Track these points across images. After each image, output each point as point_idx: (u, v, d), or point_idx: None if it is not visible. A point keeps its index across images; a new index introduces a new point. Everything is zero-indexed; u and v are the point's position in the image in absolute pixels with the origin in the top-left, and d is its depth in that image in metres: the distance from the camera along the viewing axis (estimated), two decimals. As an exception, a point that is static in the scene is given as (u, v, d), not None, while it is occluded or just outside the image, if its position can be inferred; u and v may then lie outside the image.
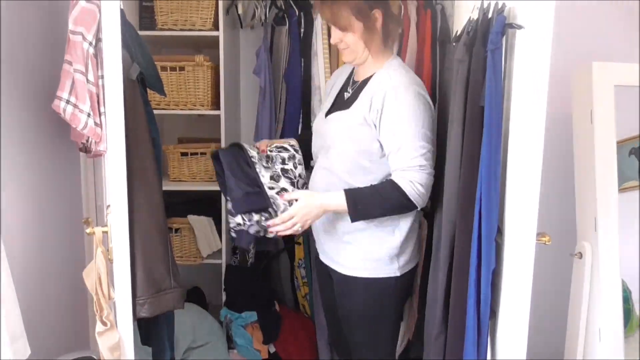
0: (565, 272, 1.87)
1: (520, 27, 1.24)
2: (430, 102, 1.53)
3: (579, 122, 1.77)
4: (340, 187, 1.52)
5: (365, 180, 1.54)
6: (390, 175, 1.51)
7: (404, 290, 1.67)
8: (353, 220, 1.49)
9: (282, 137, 2.41)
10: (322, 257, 1.71)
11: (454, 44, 1.73)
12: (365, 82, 1.58)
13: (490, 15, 1.35)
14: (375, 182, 1.54)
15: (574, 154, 1.80)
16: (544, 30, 1.22)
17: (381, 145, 1.52)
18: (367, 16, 1.50)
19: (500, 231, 1.37)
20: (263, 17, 2.50)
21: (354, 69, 1.68)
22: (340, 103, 1.63)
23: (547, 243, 1.34)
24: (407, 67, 1.61)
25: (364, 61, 1.57)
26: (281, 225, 1.51)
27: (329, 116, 1.62)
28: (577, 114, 1.78)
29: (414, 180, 1.44)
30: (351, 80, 1.66)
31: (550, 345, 2.05)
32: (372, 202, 1.48)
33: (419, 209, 1.49)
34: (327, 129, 1.62)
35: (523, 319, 1.32)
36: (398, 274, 1.59)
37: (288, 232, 1.52)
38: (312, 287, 2.48)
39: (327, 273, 1.71)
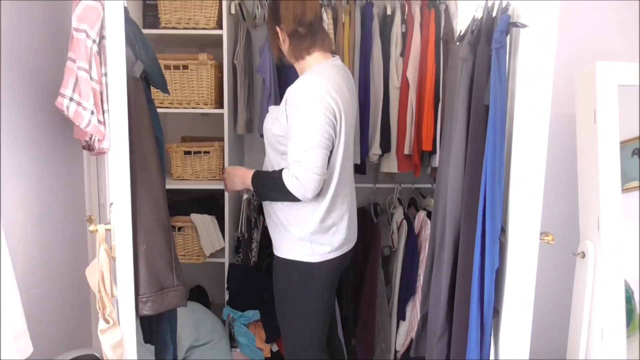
0: (568, 271, 1.87)
1: (524, 25, 1.24)
2: (334, 106, 1.60)
3: (582, 122, 1.77)
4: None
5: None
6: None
7: (324, 277, 1.74)
8: (258, 198, 1.77)
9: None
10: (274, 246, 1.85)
11: (457, 43, 1.73)
12: None
13: (494, 14, 1.35)
14: None
15: (577, 153, 1.80)
16: (549, 29, 1.22)
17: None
18: (275, 33, 1.75)
19: (503, 230, 1.36)
20: (265, 16, 2.50)
21: None
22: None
23: (550, 242, 1.34)
24: (329, 71, 1.67)
25: (296, 62, 1.77)
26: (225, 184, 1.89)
27: (270, 107, 1.84)
28: (581, 114, 1.78)
29: (291, 174, 1.59)
30: None
31: (553, 344, 2.05)
32: (267, 185, 1.70)
33: (299, 199, 1.62)
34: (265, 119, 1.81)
35: (526, 317, 1.32)
36: (311, 260, 1.71)
37: (228, 191, 1.90)
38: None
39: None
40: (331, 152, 1.65)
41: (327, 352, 1.87)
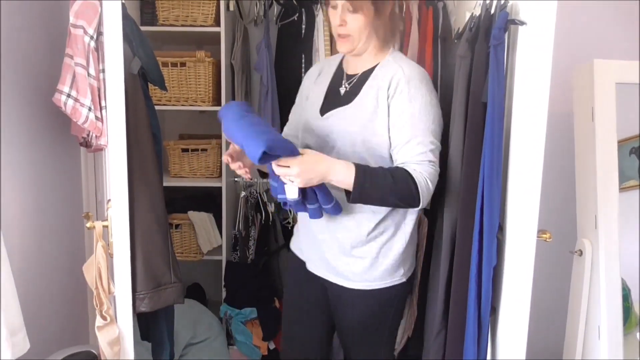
0: (565, 269, 1.87)
1: (522, 23, 1.24)
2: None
3: (580, 120, 1.77)
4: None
5: None
6: None
7: (406, 294, 1.62)
8: (351, 200, 1.33)
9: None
10: (313, 268, 1.58)
11: (455, 40, 1.73)
12: (367, 74, 1.47)
13: (493, 12, 1.35)
14: None
15: (575, 151, 1.80)
16: (547, 26, 1.22)
17: (390, 138, 1.40)
18: (383, 2, 1.39)
19: (501, 228, 1.36)
20: (262, 14, 2.50)
21: (340, 64, 1.57)
22: (336, 99, 1.50)
23: (547, 240, 1.34)
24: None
25: (363, 52, 1.46)
26: (280, 169, 1.29)
27: (327, 113, 1.49)
28: (578, 112, 1.78)
29: (425, 175, 1.33)
30: (344, 74, 1.53)
31: (550, 342, 2.05)
32: (382, 184, 1.32)
33: (420, 207, 1.36)
34: (325, 126, 1.47)
35: (523, 316, 1.32)
36: (404, 280, 1.51)
37: (287, 183, 1.32)
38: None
39: (317, 284, 1.58)
40: None
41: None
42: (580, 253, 1.73)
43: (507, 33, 1.29)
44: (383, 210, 1.43)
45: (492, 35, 1.26)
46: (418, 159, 1.35)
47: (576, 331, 1.74)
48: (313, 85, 1.60)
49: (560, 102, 1.91)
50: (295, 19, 2.45)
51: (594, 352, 1.70)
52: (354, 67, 1.51)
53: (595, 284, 1.69)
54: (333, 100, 1.51)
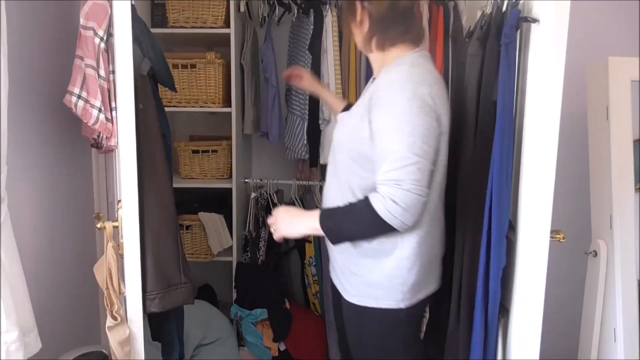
0: (579, 270, 1.84)
1: (535, 20, 1.22)
2: (435, 107, 1.26)
3: (594, 119, 1.75)
4: (348, 196, 1.36)
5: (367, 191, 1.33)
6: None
7: (413, 322, 1.43)
8: (332, 242, 1.36)
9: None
10: (333, 277, 1.53)
11: (467, 39, 1.71)
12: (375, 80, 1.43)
13: (504, 9, 1.33)
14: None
15: (589, 150, 1.77)
16: (560, 23, 1.20)
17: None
18: (354, 9, 1.38)
19: (513, 228, 1.35)
20: (265, 14, 2.51)
21: None
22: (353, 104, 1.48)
23: (561, 241, 1.32)
24: (423, 62, 1.34)
25: (372, 52, 1.41)
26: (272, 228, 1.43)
27: (338, 117, 1.49)
28: (593, 110, 1.75)
29: (386, 196, 1.21)
30: (372, 78, 1.48)
31: (564, 344, 2.02)
32: (344, 221, 1.31)
33: (400, 228, 1.23)
34: (335, 131, 1.46)
35: (536, 317, 1.30)
36: (402, 306, 1.35)
37: (276, 237, 1.42)
38: (323, 285, 2.48)
39: (337, 291, 1.53)
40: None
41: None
42: (595, 254, 1.70)
43: (518, 31, 1.28)
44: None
45: (503, 33, 1.25)
46: (383, 178, 1.23)
47: (591, 333, 1.71)
48: None
49: (573, 101, 1.89)
50: (294, 19, 2.46)
51: (609, 354, 1.67)
52: (375, 71, 1.46)
53: (611, 285, 1.66)
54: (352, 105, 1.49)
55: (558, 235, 1.31)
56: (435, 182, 1.31)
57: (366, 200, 1.26)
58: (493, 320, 1.34)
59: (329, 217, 1.33)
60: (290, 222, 1.39)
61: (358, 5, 1.37)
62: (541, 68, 1.23)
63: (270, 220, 1.44)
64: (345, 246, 1.38)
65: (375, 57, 1.41)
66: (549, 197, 1.25)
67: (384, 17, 1.34)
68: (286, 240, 2.56)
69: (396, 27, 1.35)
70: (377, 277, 1.36)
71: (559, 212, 1.29)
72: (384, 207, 1.21)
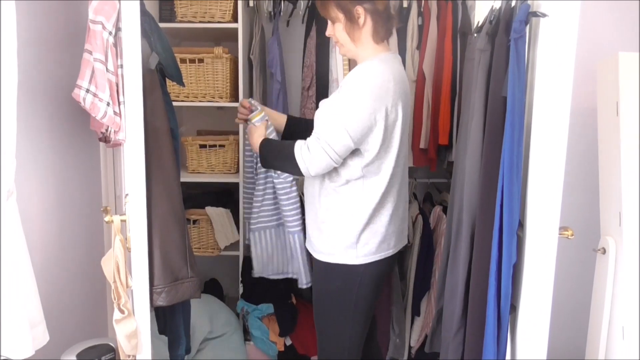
0: (588, 267, 1.83)
1: (544, 15, 1.21)
2: (390, 99, 1.49)
3: (604, 115, 1.73)
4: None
5: (338, 172, 1.59)
6: (358, 174, 1.57)
7: (367, 281, 1.64)
8: (262, 165, 1.70)
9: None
10: (308, 246, 1.77)
11: (475, 34, 1.70)
12: None
13: (513, 4, 1.32)
14: (348, 177, 1.58)
15: (599, 146, 1.76)
16: (570, 18, 1.19)
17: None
18: (349, 11, 1.54)
19: (521, 224, 1.34)
20: (270, 9, 2.50)
21: None
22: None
23: (569, 237, 1.31)
24: (390, 63, 1.56)
25: (355, 56, 1.62)
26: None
27: (320, 102, 1.69)
28: (602, 106, 1.73)
29: (305, 145, 1.53)
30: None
31: (572, 342, 2.01)
32: (275, 152, 1.65)
33: (304, 175, 1.57)
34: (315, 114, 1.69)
35: (544, 314, 1.30)
36: (356, 262, 1.61)
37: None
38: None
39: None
40: (384, 148, 1.54)
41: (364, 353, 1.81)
42: (604, 251, 1.69)
43: (528, 25, 1.27)
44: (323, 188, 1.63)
45: (512, 28, 1.24)
46: (313, 133, 1.56)
47: (599, 331, 1.70)
48: None
49: (583, 96, 1.87)
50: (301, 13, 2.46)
51: (617, 352, 1.66)
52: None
53: (619, 282, 1.65)
54: None
55: (566, 232, 1.30)
56: (390, 158, 1.56)
57: (293, 144, 1.57)
58: (505, 317, 1.33)
59: (266, 145, 1.68)
60: (251, 135, 1.75)
61: (360, 7, 1.54)
62: (550, 63, 1.22)
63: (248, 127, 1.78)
64: (326, 205, 1.64)
65: (355, 53, 1.62)
66: (557, 194, 1.24)
67: (380, 13, 1.55)
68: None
69: (386, 24, 1.57)
70: (339, 236, 1.62)
71: (567, 208, 1.29)
72: (300, 151, 1.54)
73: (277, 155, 1.64)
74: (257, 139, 1.72)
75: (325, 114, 1.55)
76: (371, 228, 1.61)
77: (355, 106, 1.48)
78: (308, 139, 1.55)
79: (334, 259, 1.63)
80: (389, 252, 1.67)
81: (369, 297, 1.67)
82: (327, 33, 1.64)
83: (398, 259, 2.36)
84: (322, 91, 2.41)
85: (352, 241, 1.61)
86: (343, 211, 1.60)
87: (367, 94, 1.48)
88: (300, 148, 1.54)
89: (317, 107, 2.38)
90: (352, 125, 1.48)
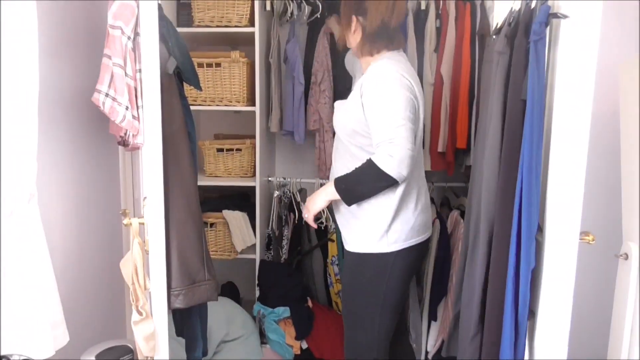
0: (609, 273, 1.79)
1: (565, 16, 1.19)
2: (410, 86, 1.61)
3: (626, 118, 1.69)
4: (347, 158, 1.71)
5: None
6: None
7: (397, 272, 1.71)
8: (348, 204, 1.67)
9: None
10: (344, 241, 1.83)
11: (494, 37, 1.68)
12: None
13: (533, 5, 1.30)
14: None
15: (621, 150, 1.72)
16: (592, 19, 1.17)
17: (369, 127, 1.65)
18: (349, 18, 1.69)
19: (540, 229, 1.32)
20: (296, 13, 2.51)
21: None
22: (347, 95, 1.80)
23: (591, 242, 1.28)
24: (398, 58, 1.68)
25: (361, 56, 1.75)
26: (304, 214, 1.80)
27: (335, 104, 1.80)
28: (625, 109, 1.70)
29: (384, 153, 1.54)
30: (361, 74, 1.79)
31: (592, 349, 1.98)
32: (356, 182, 1.64)
33: (399, 176, 1.56)
34: (334, 116, 1.79)
35: (564, 320, 1.27)
36: (387, 250, 1.68)
37: (308, 219, 1.79)
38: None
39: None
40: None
41: (394, 352, 1.85)
42: (626, 257, 1.65)
43: (548, 27, 1.25)
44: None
45: (532, 30, 1.22)
46: (378, 141, 1.57)
47: (621, 338, 1.66)
48: (352, 67, 1.99)
49: (604, 99, 1.84)
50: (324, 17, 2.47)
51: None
52: (363, 68, 1.77)
53: (642, 289, 1.61)
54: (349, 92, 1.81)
55: (587, 237, 1.28)
56: (417, 139, 1.67)
57: (369, 161, 1.58)
58: (523, 323, 1.31)
59: (341, 181, 1.66)
60: (312, 201, 1.74)
61: (355, 18, 1.68)
62: (572, 65, 1.20)
63: (303, 214, 1.81)
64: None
65: (363, 60, 1.75)
66: (578, 198, 1.22)
67: (374, 31, 1.66)
68: (309, 239, 2.57)
69: (382, 40, 1.68)
70: (371, 226, 1.71)
71: (588, 213, 1.26)
72: (384, 161, 1.54)
73: (361, 179, 1.63)
74: (323, 190, 1.71)
75: (374, 119, 1.59)
76: (401, 217, 1.69)
77: (391, 96, 1.57)
78: (381, 146, 1.56)
79: (365, 249, 1.71)
80: (418, 239, 1.74)
81: (398, 290, 1.74)
82: (335, 35, 1.79)
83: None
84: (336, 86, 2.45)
85: (384, 229, 1.68)
86: (373, 201, 1.66)
87: (392, 82, 1.59)
88: (382, 159, 1.55)
89: (331, 102, 2.39)
90: (401, 112, 1.55)
